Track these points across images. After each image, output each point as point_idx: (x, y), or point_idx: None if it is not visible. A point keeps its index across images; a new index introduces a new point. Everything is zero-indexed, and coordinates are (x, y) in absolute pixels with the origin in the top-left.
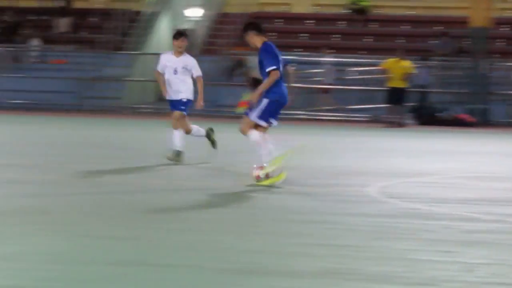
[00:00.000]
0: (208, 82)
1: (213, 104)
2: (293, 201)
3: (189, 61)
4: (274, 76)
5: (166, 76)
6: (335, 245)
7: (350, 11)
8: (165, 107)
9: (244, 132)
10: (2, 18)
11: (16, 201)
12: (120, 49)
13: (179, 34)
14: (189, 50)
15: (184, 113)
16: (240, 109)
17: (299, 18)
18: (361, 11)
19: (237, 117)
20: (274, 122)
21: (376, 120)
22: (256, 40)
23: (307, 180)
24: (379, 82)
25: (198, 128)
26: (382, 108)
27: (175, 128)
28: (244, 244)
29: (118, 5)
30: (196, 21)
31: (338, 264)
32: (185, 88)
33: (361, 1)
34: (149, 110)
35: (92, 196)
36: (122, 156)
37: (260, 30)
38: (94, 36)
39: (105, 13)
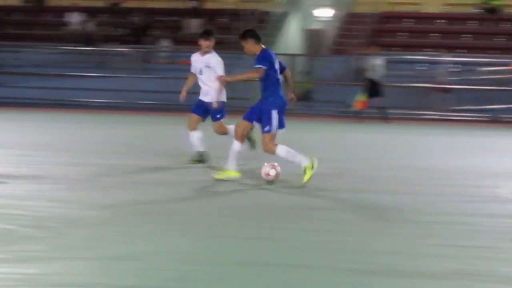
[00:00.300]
0: (337, 82)
1: (343, 105)
2: (423, 201)
3: (212, 59)
4: (255, 73)
5: (198, 77)
6: (467, 246)
7: (482, 10)
8: (297, 107)
9: (270, 151)
10: (132, 19)
11: (147, 201)
12: None
13: (208, 34)
14: (319, 51)
15: (222, 119)
16: (356, 107)
17: (430, 17)
18: (492, 10)
19: (361, 117)
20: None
21: (496, 120)
22: (256, 48)
23: (436, 180)
24: (505, 82)
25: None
26: (504, 109)
27: (192, 129)
28: (373, 245)
29: (247, 6)
30: (326, 21)
31: (470, 265)
32: (213, 90)
33: (493, 1)
34: None
35: (222, 196)
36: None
37: (259, 39)
38: (223, 37)
39: (234, 14)
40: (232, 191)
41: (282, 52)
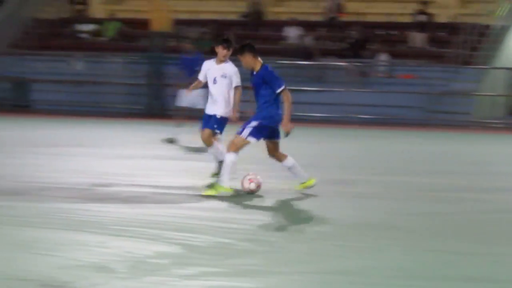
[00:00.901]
0: None
1: None
2: None
3: (229, 68)
4: (289, 96)
5: (209, 86)
6: None
7: None
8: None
9: (233, 149)
10: (350, 33)
11: (366, 215)
12: (469, 63)
13: (228, 42)
14: None
15: (218, 131)
16: None
17: None
18: None
19: None
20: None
21: None
22: (254, 61)
23: None
24: None
25: (221, 152)
26: None
27: (209, 145)
28: None
29: (467, 19)
30: None
31: None
32: (223, 101)
33: None
34: (499, 125)
35: (438, 210)
36: (470, 172)
37: (256, 53)
38: (443, 51)
39: (454, 27)
40: (456, 208)
41: (503, 66)
